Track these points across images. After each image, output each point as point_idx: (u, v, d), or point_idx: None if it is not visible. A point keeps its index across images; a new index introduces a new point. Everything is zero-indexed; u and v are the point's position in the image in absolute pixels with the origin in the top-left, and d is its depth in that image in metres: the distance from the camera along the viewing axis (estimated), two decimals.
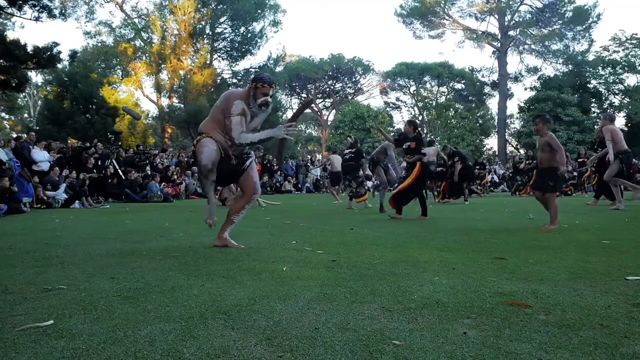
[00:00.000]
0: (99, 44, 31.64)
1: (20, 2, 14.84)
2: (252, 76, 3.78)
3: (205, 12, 30.51)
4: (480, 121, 39.56)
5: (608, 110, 33.72)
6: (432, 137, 39.11)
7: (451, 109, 38.33)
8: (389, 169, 8.55)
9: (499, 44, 35.74)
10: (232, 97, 3.58)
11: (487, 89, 41.64)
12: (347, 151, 9.99)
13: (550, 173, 5.21)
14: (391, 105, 43.66)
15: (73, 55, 17.39)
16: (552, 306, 1.99)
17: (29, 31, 57.47)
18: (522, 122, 34.41)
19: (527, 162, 15.53)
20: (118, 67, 32.61)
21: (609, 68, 33.20)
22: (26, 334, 1.66)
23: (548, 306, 1.99)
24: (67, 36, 65.40)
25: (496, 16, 35.36)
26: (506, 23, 35.16)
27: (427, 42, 76.00)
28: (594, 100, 33.82)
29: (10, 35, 17.66)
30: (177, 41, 30.40)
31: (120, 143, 21.37)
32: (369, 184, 14.53)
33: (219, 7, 30.84)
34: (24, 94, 30.29)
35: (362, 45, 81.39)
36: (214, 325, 1.75)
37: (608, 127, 8.33)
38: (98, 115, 22.51)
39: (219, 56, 33.23)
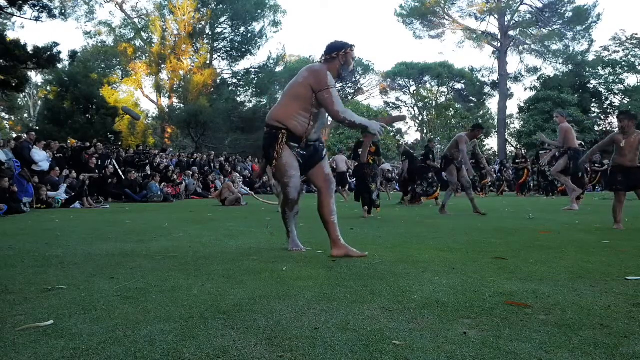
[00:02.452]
0: (99, 44, 31.68)
1: (20, 2, 14.85)
2: (331, 45, 3.38)
3: (205, 12, 30.52)
4: (480, 121, 39.55)
5: (608, 110, 33.76)
6: (432, 137, 39.15)
7: (451, 109, 38.34)
8: (462, 169, 7.83)
9: (499, 44, 35.74)
10: (323, 69, 3.24)
11: (487, 89, 41.64)
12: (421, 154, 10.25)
13: None
14: (391, 105, 43.64)
15: (73, 55, 17.41)
16: (552, 306, 1.99)
17: (29, 31, 57.44)
18: (522, 122, 34.42)
19: (522, 160, 15.52)
20: (118, 67, 32.63)
21: (609, 68, 33.20)
22: (26, 334, 1.66)
23: (548, 306, 1.99)
24: (67, 36, 65.45)
25: (496, 16, 35.35)
26: (506, 23, 35.15)
27: (427, 42, 75.80)
28: (594, 100, 33.84)
29: (10, 35, 17.71)
30: (177, 41, 30.42)
31: (120, 143, 21.37)
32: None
33: (219, 7, 30.85)
34: (24, 94, 30.28)
35: (362, 45, 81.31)
36: (214, 325, 1.75)
37: (563, 126, 8.33)
38: (98, 115, 22.55)
39: (219, 56, 33.25)
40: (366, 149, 7.29)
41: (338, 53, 3.34)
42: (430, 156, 10.82)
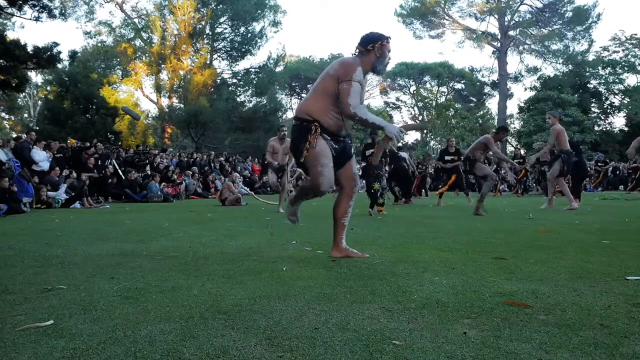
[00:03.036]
0: (99, 44, 31.65)
1: (20, 2, 14.85)
2: (366, 37, 3.20)
3: (205, 12, 30.50)
4: (480, 121, 39.56)
5: (608, 110, 33.77)
6: (432, 137, 39.22)
7: (451, 109, 38.33)
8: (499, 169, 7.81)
9: (499, 44, 35.74)
10: (355, 64, 3.09)
11: (487, 89, 41.65)
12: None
13: None
14: (391, 105, 43.66)
15: (73, 55, 17.41)
16: (552, 306, 1.99)
17: (29, 31, 57.47)
18: (522, 122, 34.42)
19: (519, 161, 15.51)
20: (118, 67, 32.60)
21: (608, 68, 33.22)
22: (26, 334, 1.66)
23: (548, 306, 1.99)
24: (67, 36, 65.46)
25: (496, 16, 35.36)
26: (506, 23, 35.16)
27: (427, 42, 75.89)
28: (594, 100, 33.85)
29: (10, 35, 17.70)
30: (177, 41, 30.39)
31: (120, 143, 21.37)
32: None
33: (219, 7, 30.83)
34: (24, 94, 30.29)
35: None
36: (214, 325, 1.75)
37: (556, 127, 8.30)
38: (98, 115, 22.55)
39: (219, 56, 33.22)
40: (379, 153, 7.13)
41: (374, 45, 3.15)
42: (446, 157, 10.85)
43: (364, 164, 8.82)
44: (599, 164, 17.79)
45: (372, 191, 7.78)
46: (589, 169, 16.46)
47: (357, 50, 3.20)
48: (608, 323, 1.76)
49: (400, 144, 9.10)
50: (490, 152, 7.62)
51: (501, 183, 17.49)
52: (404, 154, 11.07)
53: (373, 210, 7.60)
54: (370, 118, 3.05)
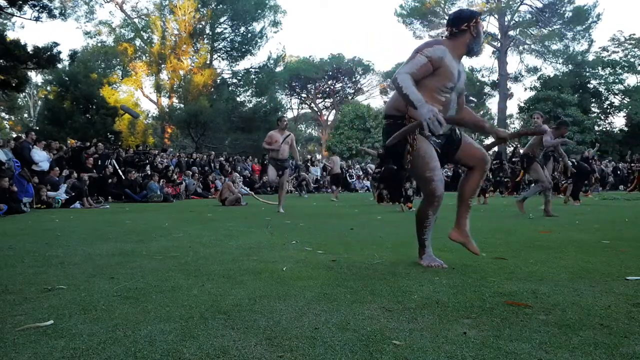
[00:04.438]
0: (99, 44, 31.66)
1: (20, 2, 14.85)
2: (458, 16, 2.89)
3: (205, 12, 30.51)
4: None
5: (608, 110, 33.77)
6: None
7: None
8: (545, 167, 7.27)
9: (499, 44, 35.73)
10: (433, 42, 2.81)
11: (487, 89, 41.65)
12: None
13: None
14: None
15: (73, 55, 17.40)
16: (552, 306, 1.99)
17: (29, 31, 57.47)
18: (522, 122, 34.41)
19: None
20: (118, 67, 32.61)
21: (608, 68, 33.23)
22: (26, 334, 1.66)
23: (548, 306, 1.99)
24: (67, 36, 65.46)
25: (496, 16, 35.35)
26: (506, 23, 35.16)
27: None
28: (594, 100, 33.85)
29: (10, 35, 17.70)
30: (177, 41, 30.41)
31: (120, 143, 21.36)
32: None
33: (219, 7, 30.84)
34: (24, 94, 30.29)
35: (362, 45, 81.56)
36: (214, 325, 1.75)
37: (545, 127, 8.24)
38: (98, 115, 22.56)
39: (219, 56, 33.25)
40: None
41: (469, 24, 2.81)
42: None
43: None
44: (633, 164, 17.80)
45: (405, 190, 8.41)
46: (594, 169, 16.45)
47: (448, 32, 2.87)
48: (608, 323, 1.76)
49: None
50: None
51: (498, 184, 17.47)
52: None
53: (404, 207, 8.34)
54: (409, 91, 2.56)
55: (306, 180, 18.87)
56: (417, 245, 3.06)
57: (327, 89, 44.57)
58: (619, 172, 21.34)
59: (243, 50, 32.29)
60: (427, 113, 2.45)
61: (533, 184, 7.31)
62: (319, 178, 21.70)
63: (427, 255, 2.98)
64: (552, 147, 7.45)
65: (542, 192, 7.16)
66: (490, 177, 12.48)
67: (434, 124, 2.43)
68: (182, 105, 30.12)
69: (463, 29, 2.82)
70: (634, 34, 32.90)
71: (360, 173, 23.90)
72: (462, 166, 3.07)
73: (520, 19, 35.32)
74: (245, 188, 14.67)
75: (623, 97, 33.35)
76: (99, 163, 13.27)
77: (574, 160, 9.28)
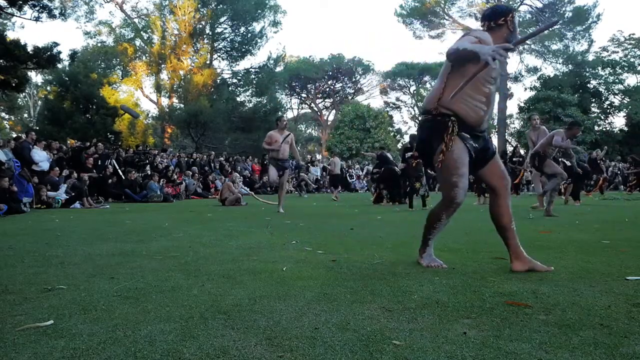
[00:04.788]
0: (99, 44, 31.66)
1: (20, 2, 14.84)
2: (495, 10, 2.82)
3: (205, 12, 30.51)
4: None
5: (608, 110, 33.77)
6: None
7: None
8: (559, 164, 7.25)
9: None
10: (480, 31, 2.73)
11: None
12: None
13: None
14: (391, 105, 43.71)
15: (73, 55, 17.38)
16: (552, 306, 1.99)
17: (29, 31, 57.47)
18: (522, 122, 34.42)
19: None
20: (118, 67, 32.60)
21: (608, 68, 33.22)
22: (26, 334, 1.66)
23: (548, 306, 1.99)
24: (67, 36, 65.48)
25: None
26: None
27: (427, 42, 75.99)
28: (594, 100, 33.84)
29: (10, 35, 17.68)
30: (177, 41, 30.41)
31: (120, 143, 21.37)
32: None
33: (219, 7, 30.84)
34: (24, 94, 30.29)
35: (362, 45, 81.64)
36: (214, 325, 1.75)
37: (544, 128, 8.28)
38: (98, 115, 22.55)
39: (219, 56, 33.25)
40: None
41: (506, 18, 2.76)
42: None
43: (403, 165, 9.67)
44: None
45: (413, 189, 8.97)
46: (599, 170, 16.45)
47: (485, 27, 2.81)
48: (608, 323, 1.76)
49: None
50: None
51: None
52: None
53: (412, 207, 8.83)
54: (465, 46, 2.44)
55: (305, 180, 18.91)
56: (418, 244, 3.04)
57: (327, 89, 44.58)
58: (618, 172, 21.36)
59: (243, 50, 32.30)
60: (489, 50, 2.31)
61: (551, 179, 7.23)
62: (319, 178, 21.71)
63: (428, 255, 2.95)
64: (563, 149, 7.49)
65: (549, 192, 7.18)
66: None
67: (500, 52, 2.29)
68: (182, 105, 30.13)
69: (500, 24, 2.77)
70: (633, 34, 32.92)
71: (360, 173, 23.93)
72: (484, 182, 3.01)
73: (520, 19, 35.29)
74: (245, 188, 14.68)
75: (623, 97, 33.34)
76: (99, 163, 13.27)
77: (573, 160, 9.27)
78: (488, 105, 2.70)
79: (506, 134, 37.07)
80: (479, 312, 1.91)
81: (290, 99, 44.95)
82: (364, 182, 22.51)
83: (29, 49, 14.68)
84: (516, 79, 37.81)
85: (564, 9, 33.44)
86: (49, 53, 14.91)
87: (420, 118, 2.82)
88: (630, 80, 34.19)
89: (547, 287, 2.33)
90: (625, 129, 32.73)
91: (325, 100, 45.55)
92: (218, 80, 31.40)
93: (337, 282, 2.49)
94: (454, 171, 2.68)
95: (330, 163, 15.63)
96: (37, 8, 15.50)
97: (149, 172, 13.98)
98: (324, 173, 21.28)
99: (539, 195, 7.33)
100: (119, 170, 13.37)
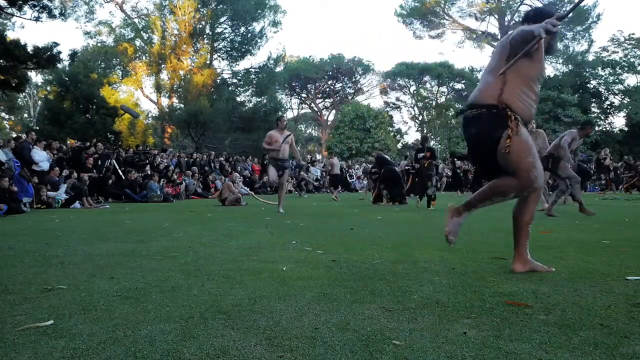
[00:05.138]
0: (99, 44, 31.67)
1: (20, 2, 14.84)
2: (539, 11, 2.83)
3: (205, 12, 30.51)
4: None
5: (608, 110, 33.77)
6: (432, 137, 39.17)
7: (451, 109, 38.35)
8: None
9: None
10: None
11: None
12: None
13: None
14: (391, 105, 43.70)
15: (73, 55, 17.38)
16: (552, 306, 1.99)
17: (29, 31, 57.49)
18: None
19: None
20: (118, 67, 32.63)
21: (608, 68, 33.22)
22: (26, 334, 1.66)
23: (548, 306, 1.99)
24: (67, 36, 65.52)
25: (496, 16, 35.38)
26: (506, 23, 35.18)
27: (427, 42, 76.17)
28: (594, 100, 33.85)
29: (10, 35, 17.70)
30: (177, 41, 30.42)
31: (120, 143, 21.36)
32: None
33: (219, 7, 30.85)
34: (24, 94, 30.30)
35: (362, 45, 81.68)
36: (214, 325, 1.75)
37: (541, 130, 8.35)
38: (98, 115, 22.54)
39: (219, 56, 33.26)
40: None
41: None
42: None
43: (417, 166, 10.14)
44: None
45: (425, 188, 9.47)
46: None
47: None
48: (608, 323, 1.76)
49: (413, 142, 10.40)
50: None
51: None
52: (404, 162, 11.80)
53: (429, 206, 9.22)
54: (524, 28, 2.51)
55: (305, 179, 18.96)
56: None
57: (327, 89, 44.58)
58: (618, 172, 21.36)
59: (243, 50, 32.31)
60: (541, 24, 2.33)
61: (572, 185, 7.15)
62: (319, 178, 21.72)
63: (535, 263, 2.78)
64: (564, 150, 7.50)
65: (555, 192, 7.21)
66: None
67: (552, 22, 2.31)
68: (182, 105, 30.13)
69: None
70: (633, 34, 32.91)
71: (360, 173, 23.93)
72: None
73: (520, 19, 35.30)
74: (245, 188, 14.69)
75: (623, 97, 33.35)
76: (99, 163, 13.26)
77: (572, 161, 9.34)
78: (536, 104, 2.73)
79: None
80: (479, 312, 1.91)
81: (290, 99, 44.97)
82: (364, 182, 22.53)
83: (29, 49, 14.68)
84: None
85: (564, 9, 33.42)
86: (49, 53, 14.90)
87: (469, 113, 2.70)
88: (630, 80, 34.22)
89: (547, 287, 2.33)
90: (625, 129, 32.73)
91: (325, 100, 45.54)
92: (218, 80, 31.41)
93: (337, 282, 2.49)
94: (528, 151, 2.60)
95: (329, 164, 15.85)
96: (37, 8, 15.49)
97: (149, 172, 13.97)
98: (324, 173, 21.29)
99: (580, 210, 7.27)
100: (119, 170, 13.37)
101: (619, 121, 42.83)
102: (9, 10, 15.73)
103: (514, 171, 2.62)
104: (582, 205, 6.86)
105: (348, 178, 22.61)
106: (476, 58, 76.28)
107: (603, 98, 34.11)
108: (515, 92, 2.60)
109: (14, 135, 23.29)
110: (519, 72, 2.59)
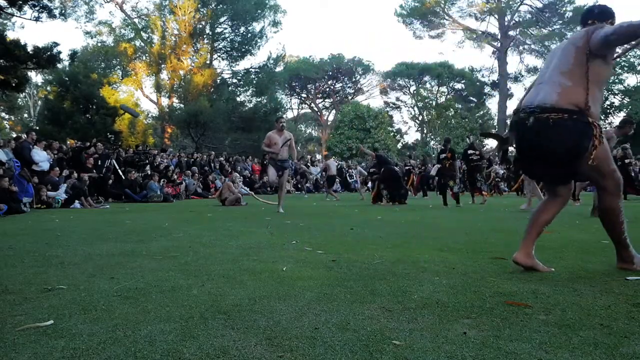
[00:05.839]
0: (99, 44, 31.67)
1: (20, 2, 14.83)
2: (606, 10, 2.81)
3: (205, 12, 30.51)
4: (480, 121, 39.56)
5: (608, 110, 33.76)
6: (432, 137, 39.24)
7: (451, 109, 38.36)
8: None
9: (499, 44, 35.77)
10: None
11: (487, 89, 41.67)
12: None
13: None
14: (391, 105, 43.71)
15: (73, 55, 17.36)
16: (552, 306, 1.99)
17: (29, 31, 57.49)
18: None
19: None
20: (118, 67, 32.63)
21: None
22: (26, 334, 1.66)
23: (548, 306, 1.99)
24: (67, 36, 65.52)
25: (496, 16, 35.40)
26: (506, 23, 35.21)
27: (427, 42, 76.18)
28: None
29: (10, 35, 17.69)
30: (177, 41, 30.41)
31: (120, 143, 21.36)
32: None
33: (219, 7, 30.85)
34: (24, 94, 30.29)
35: (362, 45, 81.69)
36: (214, 325, 1.75)
37: None
38: (98, 115, 22.53)
39: (219, 56, 33.26)
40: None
41: (612, 21, 2.76)
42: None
43: (439, 166, 10.77)
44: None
45: (445, 186, 10.14)
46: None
47: (590, 24, 2.76)
48: (608, 323, 1.76)
49: (413, 142, 10.98)
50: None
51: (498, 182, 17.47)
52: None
53: (446, 204, 9.86)
54: (625, 24, 2.47)
55: (305, 173, 19.15)
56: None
57: (327, 89, 44.58)
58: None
59: (243, 50, 32.30)
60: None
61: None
62: (318, 178, 21.73)
63: (638, 257, 2.73)
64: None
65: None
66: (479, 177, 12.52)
67: None
68: (182, 105, 30.13)
69: (612, 24, 2.71)
70: None
71: (354, 173, 23.94)
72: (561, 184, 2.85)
73: (520, 19, 35.35)
74: (245, 188, 14.69)
75: (623, 97, 33.34)
76: (99, 163, 13.26)
77: None
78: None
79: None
80: (479, 312, 1.91)
81: (290, 99, 44.98)
82: (357, 184, 22.53)
83: (29, 49, 14.67)
84: (516, 79, 37.86)
85: (564, 8, 33.47)
86: (49, 53, 14.89)
87: (544, 116, 2.56)
88: (630, 80, 34.22)
89: (547, 287, 2.33)
90: None
91: (325, 100, 45.55)
92: (218, 80, 31.40)
93: (337, 282, 2.49)
94: (610, 159, 2.64)
95: (325, 165, 16.19)
96: (37, 8, 15.48)
97: (149, 172, 13.97)
98: (324, 173, 21.32)
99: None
100: (119, 170, 13.36)
101: (618, 121, 42.81)
102: (9, 10, 15.71)
103: (600, 178, 2.63)
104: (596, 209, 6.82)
105: (348, 178, 22.61)
106: (476, 58, 76.53)
107: (603, 98, 34.08)
108: (593, 97, 2.56)
109: (14, 135, 23.30)
110: (597, 75, 2.56)
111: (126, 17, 32.36)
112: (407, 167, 16.59)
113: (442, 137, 35.48)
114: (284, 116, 8.57)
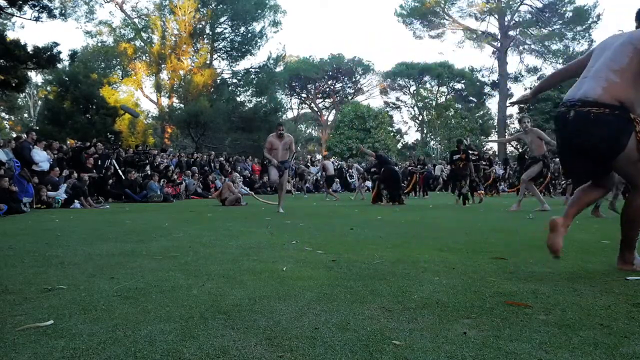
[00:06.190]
0: (99, 44, 31.66)
1: (20, 2, 14.84)
2: None
3: (205, 12, 30.51)
4: (480, 121, 39.57)
5: None
6: (432, 137, 39.24)
7: (451, 109, 38.36)
8: None
9: (499, 44, 35.78)
10: None
11: (487, 89, 41.68)
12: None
13: None
14: (391, 105, 43.73)
15: (73, 55, 17.37)
16: (552, 306, 1.99)
17: (29, 31, 57.49)
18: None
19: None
20: (118, 67, 32.62)
21: None
22: (26, 334, 1.66)
23: (548, 306, 1.99)
24: (67, 36, 65.51)
25: (496, 16, 35.40)
26: (506, 23, 35.21)
27: (427, 42, 76.18)
28: None
29: (10, 35, 17.69)
30: (177, 41, 30.42)
31: (120, 143, 21.35)
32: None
33: (219, 7, 30.85)
34: (24, 94, 30.29)
35: (362, 45, 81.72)
36: (214, 325, 1.75)
37: (536, 130, 8.40)
38: (98, 115, 22.54)
39: (219, 56, 33.26)
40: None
41: None
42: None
43: (452, 167, 11.01)
44: None
45: (460, 187, 10.41)
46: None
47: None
48: (608, 323, 1.76)
49: (413, 142, 11.14)
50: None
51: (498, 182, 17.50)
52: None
53: (465, 204, 10.16)
54: None
55: (304, 173, 19.20)
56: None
57: (327, 89, 44.59)
58: None
59: (243, 50, 32.31)
60: None
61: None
62: (318, 178, 21.73)
63: (638, 259, 2.72)
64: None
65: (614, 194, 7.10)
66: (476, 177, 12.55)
67: None
68: (182, 105, 30.13)
69: None
70: None
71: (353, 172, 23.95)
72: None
73: (520, 19, 35.36)
74: (245, 188, 14.69)
75: None
76: (99, 163, 13.26)
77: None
78: None
79: (506, 134, 37.12)
80: (479, 312, 1.91)
81: (290, 99, 44.99)
82: (355, 183, 22.54)
83: (29, 49, 14.69)
84: (516, 79, 37.86)
85: (564, 8, 33.48)
86: (49, 53, 14.90)
87: (587, 110, 2.51)
88: None
89: (547, 287, 2.33)
90: None
91: (325, 100, 45.56)
92: (218, 80, 31.41)
93: (337, 282, 2.49)
94: None
95: (323, 166, 16.38)
96: (37, 8, 15.49)
97: (149, 172, 13.97)
98: (323, 173, 21.33)
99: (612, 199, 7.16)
100: (119, 170, 13.36)
101: None
102: (9, 10, 15.72)
103: (636, 176, 2.57)
104: (613, 207, 6.78)
105: (348, 178, 22.60)
106: (476, 58, 76.54)
107: None
108: (637, 97, 2.52)
109: (14, 135, 23.29)
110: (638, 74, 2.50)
111: (126, 17, 32.39)
112: (409, 168, 16.63)
113: (442, 137, 35.54)
114: (283, 125, 8.68)
